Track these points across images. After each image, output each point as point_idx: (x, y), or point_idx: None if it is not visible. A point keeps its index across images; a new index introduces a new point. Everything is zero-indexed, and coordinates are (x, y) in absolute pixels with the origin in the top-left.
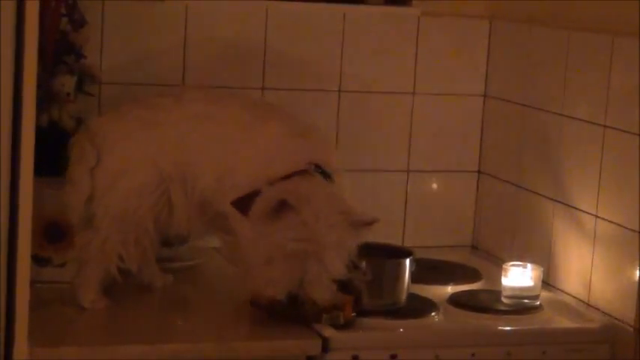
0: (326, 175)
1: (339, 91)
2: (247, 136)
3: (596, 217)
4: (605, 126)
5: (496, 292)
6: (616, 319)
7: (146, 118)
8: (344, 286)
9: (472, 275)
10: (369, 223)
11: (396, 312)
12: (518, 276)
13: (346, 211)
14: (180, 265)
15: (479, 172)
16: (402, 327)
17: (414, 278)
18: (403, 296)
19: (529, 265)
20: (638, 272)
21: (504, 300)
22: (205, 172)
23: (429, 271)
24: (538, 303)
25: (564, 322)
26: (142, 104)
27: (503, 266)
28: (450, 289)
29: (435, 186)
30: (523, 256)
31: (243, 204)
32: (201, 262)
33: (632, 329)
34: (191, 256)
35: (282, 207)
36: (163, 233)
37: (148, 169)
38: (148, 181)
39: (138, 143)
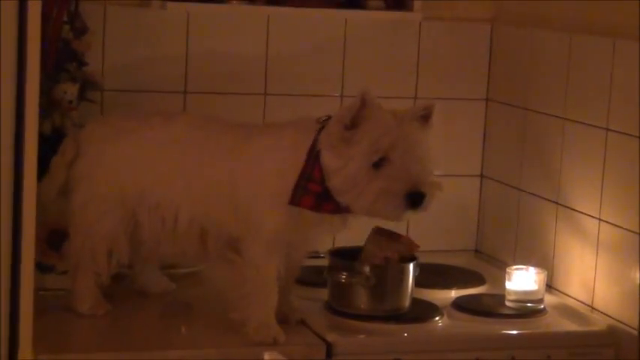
0: None
1: (342, 96)
2: (236, 156)
3: (599, 220)
4: (607, 129)
5: (500, 296)
6: (620, 322)
7: (127, 131)
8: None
9: (476, 279)
10: (430, 108)
11: (400, 317)
12: (522, 280)
13: (408, 110)
14: (184, 272)
15: (482, 176)
16: (405, 332)
17: (418, 283)
18: (407, 301)
19: (532, 269)
20: None
21: (508, 304)
22: (187, 201)
23: (433, 275)
24: (542, 307)
25: (568, 326)
26: (133, 116)
27: (507, 270)
28: (453, 294)
29: (438, 193)
30: (526, 259)
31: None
32: (205, 267)
33: (635, 332)
34: (194, 262)
35: (364, 107)
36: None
37: (109, 184)
38: (107, 196)
39: (108, 153)
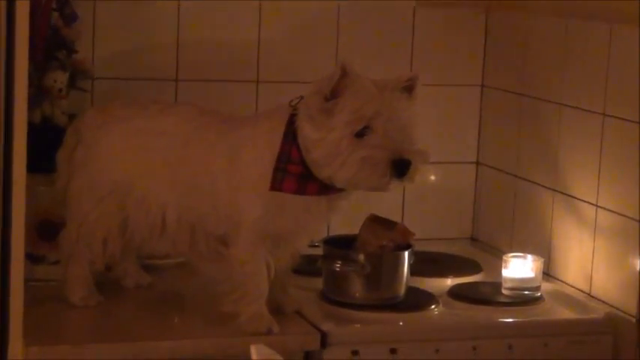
0: None
1: None
2: (215, 150)
3: (597, 206)
4: (604, 114)
5: (496, 284)
6: (618, 309)
7: (122, 119)
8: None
9: (472, 267)
10: (413, 79)
11: (396, 305)
12: (519, 267)
13: (391, 79)
14: (175, 261)
15: (477, 163)
16: (401, 321)
17: (413, 271)
18: (402, 289)
19: (529, 257)
20: (639, 262)
21: (505, 292)
22: (173, 197)
23: (428, 263)
24: (539, 294)
25: (566, 314)
26: (132, 104)
27: (504, 258)
28: (449, 282)
29: (433, 177)
30: (523, 247)
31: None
32: (195, 260)
33: (634, 320)
34: (187, 257)
35: (344, 77)
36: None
37: (103, 172)
38: (101, 184)
39: (102, 142)
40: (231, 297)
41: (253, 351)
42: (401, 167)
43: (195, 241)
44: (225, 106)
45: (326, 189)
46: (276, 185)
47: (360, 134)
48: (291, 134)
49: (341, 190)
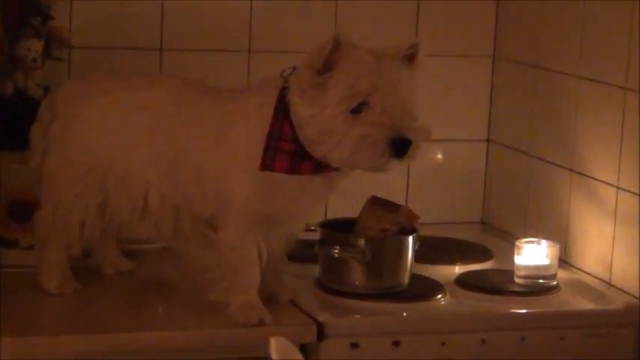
0: None
1: None
2: (201, 125)
3: (617, 188)
4: (625, 88)
5: (508, 272)
6: None
7: (102, 92)
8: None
9: (482, 254)
10: (415, 46)
11: (399, 295)
12: (533, 254)
13: (390, 48)
14: (158, 246)
15: (488, 140)
16: (404, 311)
17: (418, 258)
18: (406, 277)
19: (544, 242)
20: None
21: (517, 280)
22: (156, 175)
23: (435, 249)
24: (555, 283)
25: (584, 304)
26: (113, 76)
27: (516, 243)
28: (457, 269)
29: (440, 157)
30: (538, 231)
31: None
32: (181, 245)
33: None
34: (171, 241)
35: (337, 49)
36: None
37: (81, 148)
38: (79, 162)
39: (82, 116)
40: (220, 285)
41: (272, 344)
42: (400, 146)
43: (180, 224)
44: (214, 78)
45: (322, 167)
46: (267, 165)
47: (356, 110)
48: (282, 109)
49: (338, 168)
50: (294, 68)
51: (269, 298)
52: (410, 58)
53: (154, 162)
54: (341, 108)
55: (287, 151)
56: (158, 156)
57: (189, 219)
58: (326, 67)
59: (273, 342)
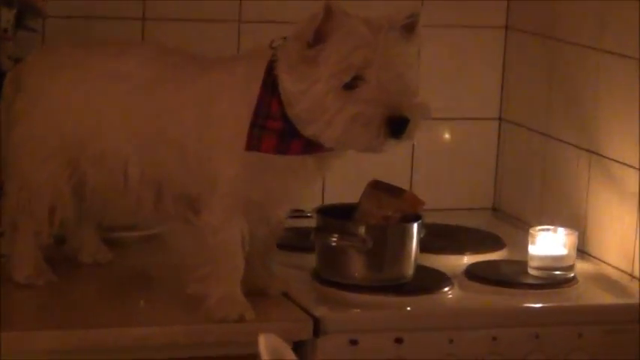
0: None
1: None
2: (184, 96)
3: None
4: None
5: (521, 263)
6: None
7: (73, 62)
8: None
9: (493, 243)
10: (415, 15)
11: (402, 287)
12: (548, 243)
13: (387, 17)
14: (139, 235)
15: (500, 119)
16: (408, 305)
17: (423, 247)
18: (410, 268)
19: (561, 230)
20: None
21: (531, 272)
22: (135, 152)
23: (441, 238)
24: (572, 275)
25: (603, 298)
26: (84, 45)
27: (530, 231)
28: (466, 260)
29: (447, 136)
30: (554, 219)
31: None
32: (165, 230)
33: None
34: (151, 224)
35: (329, 19)
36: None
37: (49, 125)
38: (46, 140)
39: (50, 90)
40: (198, 274)
41: (262, 342)
42: (397, 125)
43: (162, 202)
44: (201, 51)
45: (312, 147)
46: (252, 144)
47: (349, 86)
48: (270, 84)
49: (330, 148)
50: (285, 39)
51: (259, 292)
52: (409, 28)
53: (132, 137)
54: (333, 83)
55: (275, 129)
56: (135, 131)
57: (170, 197)
58: (317, 39)
59: (263, 339)
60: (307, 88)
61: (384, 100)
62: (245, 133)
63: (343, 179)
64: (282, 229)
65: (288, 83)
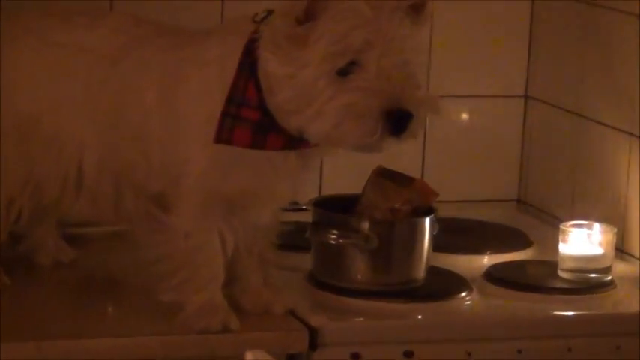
0: None
1: None
2: (149, 75)
3: None
4: None
5: (551, 264)
6: None
7: (33, 34)
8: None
9: (517, 240)
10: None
11: (412, 292)
12: (582, 241)
13: None
14: (106, 229)
15: (526, 96)
16: (419, 313)
17: (437, 245)
18: (421, 270)
19: (596, 226)
20: None
21: (562, 274)
22: (93, 138)
23: (458, 235)
24: (609, 278)
25: None
26: (49, 15)
27: (561, 227)
28: (486, 260)
29: (464, 117)
30: (588, 213)
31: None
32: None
33: None
34: (113, 222)
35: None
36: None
37: (3, 100)
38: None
39: (3, 62)
40: (173, 280)
41: (249, 358)
42: (398, 120)
43: (123, 200)
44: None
45: (294, 143)
46: (222, 136)
47: (343, 72)
48: (248, 65)
49: (315, 145)
50: (270, 12)
51: (261, 312)
52: (417, 8)
53: (90, 119)
54: (324, 68)
55: (250, 120)
56: (95, 112)
57: (131, 192)
58: (308, 15)
59: (250, 357)
60: (294, 72)
61: (383, 89)
62: (215, 120)
63: (343, 167)
64: (276, 235)
65: (272, 65)
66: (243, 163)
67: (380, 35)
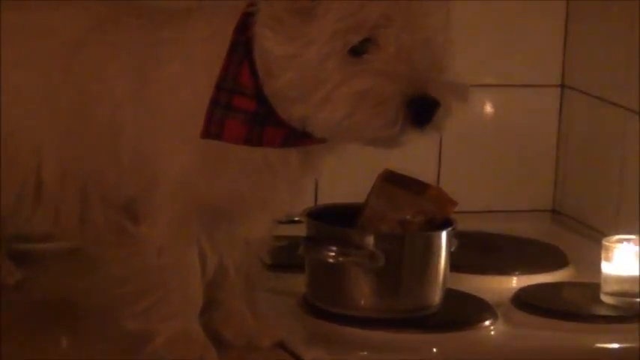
0: None
1: None
2: (121, 60)
3: None
4: None
5: (592, 286)
6: None
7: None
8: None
9: (552, 258)
10: None
11: (426, 320)
12: (628, 259)
13: None
14: (60, 245)
15: (562, 86)
16: (435, 345)
17: (455, 264)
18: (437, 294)
19: None
20: None
21: (605, 299)
22: (53, 137)
23: (481, 252)
24: None
25: None
26: None
27: (603, 243)
28: (514, 282)
29: (488, 110)
30: (636, 225)
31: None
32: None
33: None
34: (75, 236)
35: None
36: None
37: None
38: None
39: None
40: (141, 304)
41: None
42: (423, 109)
43: (89, 212)
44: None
45: (297, 138)
46: (212, 130)
47: (357, 52)
48: (242, 45)
49: (322, 139)
50: None
51: (244, 342)
52: None
53: (51, 117)
54: (334, 46)
55: (244, 110)
56: (56, 107)
57: (100, 204)
58: None
59: None
60: (297, 52)
61: (404, 72)
62: (201, 112)
63: (343, 171)
64: (268, 254)
65: (271, 43)
66: (234, 164)
67: (399, 9)
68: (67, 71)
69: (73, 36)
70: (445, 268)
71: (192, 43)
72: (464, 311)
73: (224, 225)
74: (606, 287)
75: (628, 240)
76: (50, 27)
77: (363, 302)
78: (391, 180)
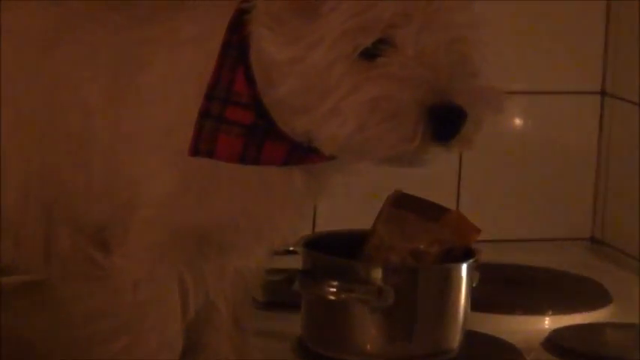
0: None
1: None
2: (96, 62)
3: None
4: None
5: (637, 328)
6: None
7: None
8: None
9: (591, 294)
10: None
11: None
12: None
13: None
14: (18, 279)
15: (603, 93)
16: None
17: (478, 302)
18: (456, 337)
19: None
20: None
21: None
22: (16, 150)
23: (507, 287)
24: None
25: None
26: None
27: None
28: (547, 323)
29: (517, 122)
30: None
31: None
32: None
33: None
34: (37, 267)
35: None
36: None
37: None
38: None
39: None
40: (111, 348)
41: None
42: (447, 120)
43: (54, 237)
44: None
45: (300, 155)
46: (201, 146)
47: (370, 54)
48: (235, 47)
49: (329, 156)
50: None
51: None
52: None
53: (13, 129)
54: (342, 48)
55: (239, 123)
56: (19, 118)
57: (68, 230)
58: None
59: None
60: (300, 55)
61: (425, 78)
62: (188, 125)
63: (345, 193)
64: (259, 288)
65: (268, 45)
66: (226, 185)
67: (420, 4)
68: (33, 76)
69: (41, 35)
70: (465, 307)
71: (179, 44)
72: (487, 356)
73: (212, 256)
74: None
75: None
76: (19, 24)
77: (369, 347)
78: (402, 203)
